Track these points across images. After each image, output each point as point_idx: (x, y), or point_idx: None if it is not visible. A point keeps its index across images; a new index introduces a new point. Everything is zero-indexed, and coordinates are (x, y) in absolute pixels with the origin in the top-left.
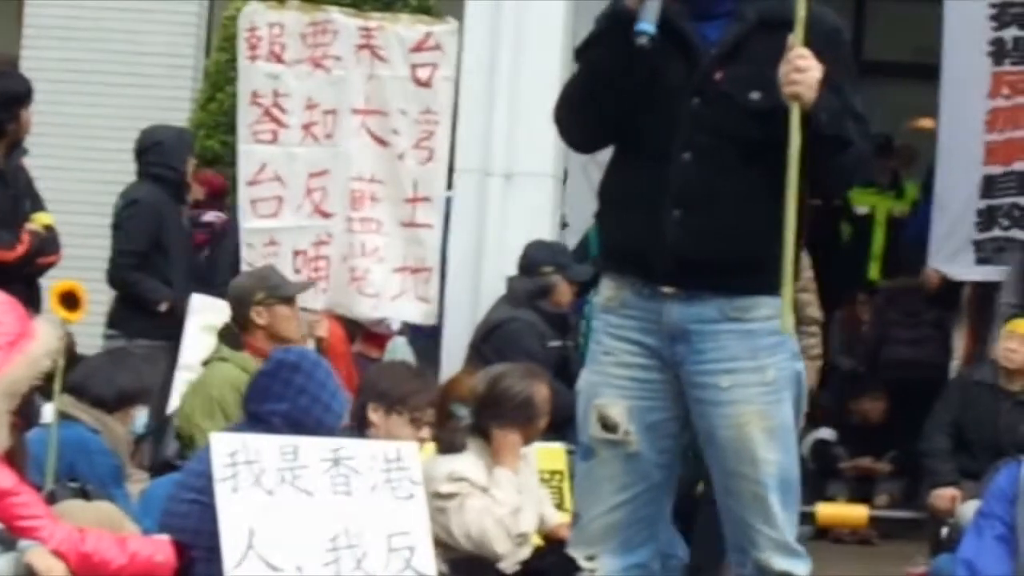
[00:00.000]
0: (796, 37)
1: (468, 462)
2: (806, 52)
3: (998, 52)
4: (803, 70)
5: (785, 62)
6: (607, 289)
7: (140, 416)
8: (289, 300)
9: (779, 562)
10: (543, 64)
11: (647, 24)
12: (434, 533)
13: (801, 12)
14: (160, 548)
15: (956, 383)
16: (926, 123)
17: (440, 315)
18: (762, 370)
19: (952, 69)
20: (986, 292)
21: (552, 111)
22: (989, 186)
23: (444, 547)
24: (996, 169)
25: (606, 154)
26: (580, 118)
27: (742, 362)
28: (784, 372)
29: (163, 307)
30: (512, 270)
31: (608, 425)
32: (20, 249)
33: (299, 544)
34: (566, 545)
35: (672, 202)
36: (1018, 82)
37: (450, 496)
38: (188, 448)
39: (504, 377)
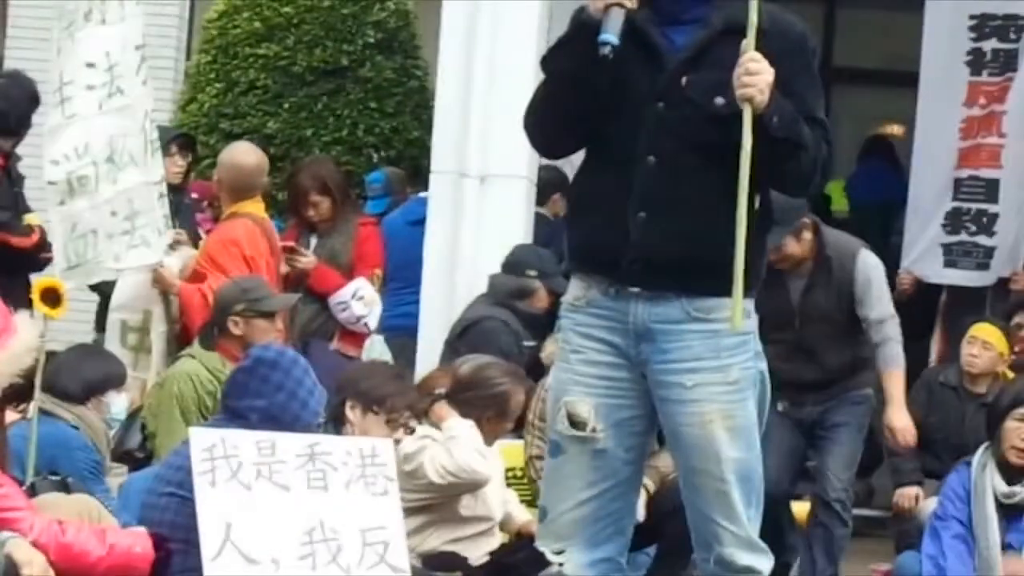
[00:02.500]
0: (748, 41)
1: (427, 426)
2: (757, 55)
3: (976, 63)
4: (754, 73)
5: (737, 65)
6: (575, 289)
7: (118, 401)
8: (269, 315)
9: (742, 557)
10: (518, 67)
11: (610, 35)
12: (416, 497)
13: (753, 16)
14: (139, 540)
15: (922, 384)
16: (896, 129)
17: (416, 315)
18: (725, 369)
19: (930, 77)
20: (959, 296)
21: (522, 117)
22: (956, 188)
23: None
24: (963, 172)
25: (580, 157)
26: (547, 124)
27: (706, 362)
28: (748, 372)
29: None
30: (487, 271)
31: (576, 422)
32: (35, 237)
33: (275, 538)
34: (535, 540)
35: (637, 205)
36: (994, 92)
37: (418, 452)
38: (151, 441)
39: (490, 367)
